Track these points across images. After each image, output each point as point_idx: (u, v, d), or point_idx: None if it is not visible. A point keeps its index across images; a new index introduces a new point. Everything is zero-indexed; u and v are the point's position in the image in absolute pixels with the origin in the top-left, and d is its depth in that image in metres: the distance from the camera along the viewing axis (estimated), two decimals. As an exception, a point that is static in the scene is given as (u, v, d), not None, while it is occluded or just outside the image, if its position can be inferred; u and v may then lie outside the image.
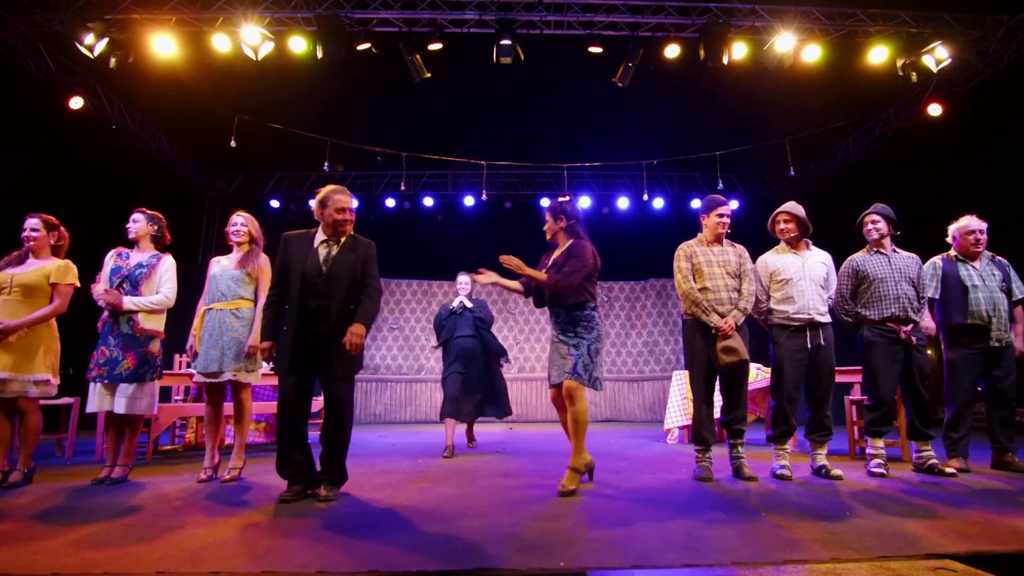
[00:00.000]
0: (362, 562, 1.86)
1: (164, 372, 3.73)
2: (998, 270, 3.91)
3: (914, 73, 6.70)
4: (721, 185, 9.64)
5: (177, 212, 5.09)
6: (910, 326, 3.61)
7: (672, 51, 6.76)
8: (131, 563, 1.88)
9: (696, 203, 9.99)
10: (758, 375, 5.49)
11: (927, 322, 3.83)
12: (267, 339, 3.07)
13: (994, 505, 2.65)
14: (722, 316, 3.43)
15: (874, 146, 9.00)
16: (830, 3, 6.66)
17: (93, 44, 6.08)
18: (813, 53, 6.65)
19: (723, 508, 2.61)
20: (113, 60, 6.26)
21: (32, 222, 3.53)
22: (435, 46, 6.63)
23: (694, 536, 2.12)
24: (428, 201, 10.24)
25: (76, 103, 7.24)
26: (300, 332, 2.95)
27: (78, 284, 3.59)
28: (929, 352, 3.74)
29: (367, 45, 6.54)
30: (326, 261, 3.03)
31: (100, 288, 3.49)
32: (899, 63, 6.71)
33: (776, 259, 3.72)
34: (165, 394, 4.86)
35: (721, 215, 3.60)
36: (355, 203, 3.25)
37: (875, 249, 3.77)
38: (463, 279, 5.15)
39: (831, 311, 3.71)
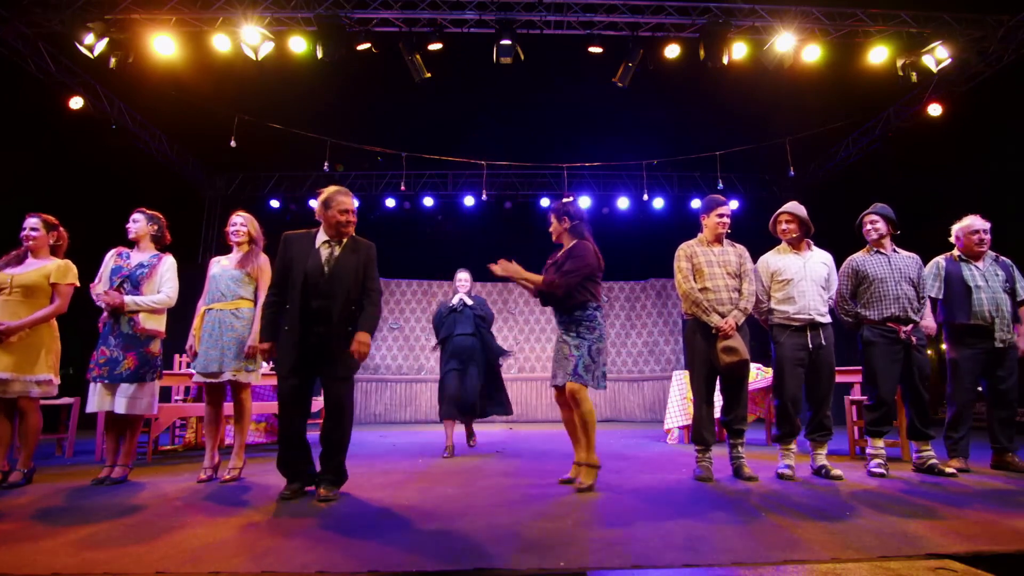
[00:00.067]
0: (362, 562, 1.86)
1: (164, 372, 3.73)
2: (1001, 270, 3.90)
3: (914, 73, 6.70)
4: (721, 185, 9.64)
5: (177, 212, 5.09)
6: (910, 326, 3.61)
7: (672, 51, 6.76)
8: (131, 563, 1.88)
9: (696, 203, 9.99)
10: (758, 375, 5.49)
11: (927, 322, 3.83)
12: (266, 339, 3.07)
13: (994, 505, 2.65)
14: (722, 316, 3.43)
15: (874, 146, 9.00)
16: (830, 3, 6.66)
17: (93, 44, 6.08)
18: (813, 53, 6.65)
19: (723, 508, 2.61)
20: (113, 60, 6.26)
21: (32, 222, 3.52)
22: (435, 46, 6.63)
23: (694, 536, 2.12)
24: (428, 201, 10.24)
25: (76, 103, 7.24)
26: (301, 332, 2.95)
27: (78, 284, 3.59)
28: (929, 352, 3.74)
29: (367, 45, 6.54)
30: (328, 261, 3.03)
31: (100, 288, 3.49)
32: (899, 63, 6.71)
33: (777, 259, 3.72)
34: (165, 394, 4.86)
35: (721, 215, 3.60)
36: (356, 204, 3.26)
37: (875, 249, 3.77)
38: (462, 275, 5.07)
39: (831, 311, 3.71)
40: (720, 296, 3.46)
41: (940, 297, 3.95)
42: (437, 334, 5.03)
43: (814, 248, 3.76)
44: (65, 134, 7.98)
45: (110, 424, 3.53)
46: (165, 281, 3.60)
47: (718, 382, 3.56)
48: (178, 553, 1.98)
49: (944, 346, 4.04)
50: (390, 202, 10.20)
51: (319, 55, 6.37)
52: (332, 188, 3.12)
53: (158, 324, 3.60)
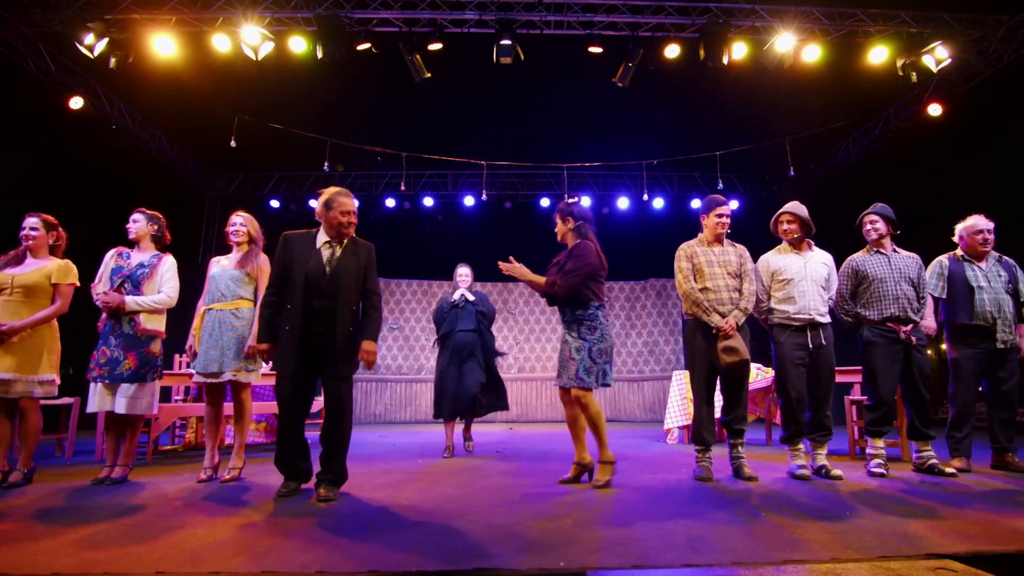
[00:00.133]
0: (362, 562, 1.86)
1: (164, 372, 3.73)
2: (1004, 271, 3.89)
3: (914, 73, 6.70)
4: (721, 185, 9.63)
5: (177, 212, 5.08)
6: (910, 326, 3.61)
7: (672, 51, 6.76)
8: (131, 563, 1.88)
9: (696, 203, 9.99)
10: (758, 375, 5.49)
11: (927, 322, 3.83)
12: (265, 340, 3.07)
13: (994, 505, 2.65)
14: (723, 316, 3.43)
15: (874, 146, 9.00)
16: (830, 3, 6.66)
17: (93, 44, 6.08)
18: (813, 53, 6.65)
19: (723, 508, 2.61)
20: (113, 60, 6.26)
21: (31, 221, 3.52)
22: (435, 46, 6.63)
23: (694, 536, 2.12)
24: (428, 201, 10.23)
25: (76, 103, 7.24)
26: (303, 332, 2.95)
27: (78, 284, 3.60)
28: (929, 352, 3.74)
29: (367, 45, 6.53)
30: (330, 262, 3.04)
31: (101, 288, 3.49)
32: (899, 63, 6.70)
33: (778, 259, 3.72)
34: (165, 394, 4.85)
35: (720, 215, 3.60)
36: (357, 205, 3.26)
37: (875, 249, 3.77)
38: (463, 271, 4.99)
39: (831, 311, 3.71)
40: (721, 296, 3.47)
41: (944, 297, 3.94)
42: (438, 330, 4.94)
43: (814, 248, 3.76)
44: (65, 134, 7.97)
45: (110, 424, 3.53)
46: (165, 281, 3.60)
47: (718, 382, 3.56)
48: (178, 553, 1.98)
49: (944, 346, 4.04)
50: (390, 202, 10.20)
51: (319, 55, 6.37)
52: (333, 189, 3.12)
53: (158, 324, 3.60)
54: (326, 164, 8.80)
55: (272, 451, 3.31)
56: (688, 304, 3.53)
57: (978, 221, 3.93)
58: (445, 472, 3.82)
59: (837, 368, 3.70)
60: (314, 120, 8.46)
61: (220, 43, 6.39)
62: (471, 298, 4.90)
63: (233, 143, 7.93)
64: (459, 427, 5.03)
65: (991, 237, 3.89)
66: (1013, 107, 7.59)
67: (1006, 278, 3.86)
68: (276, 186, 10.40)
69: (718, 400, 3.62)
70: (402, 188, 9.79)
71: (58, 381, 3.48)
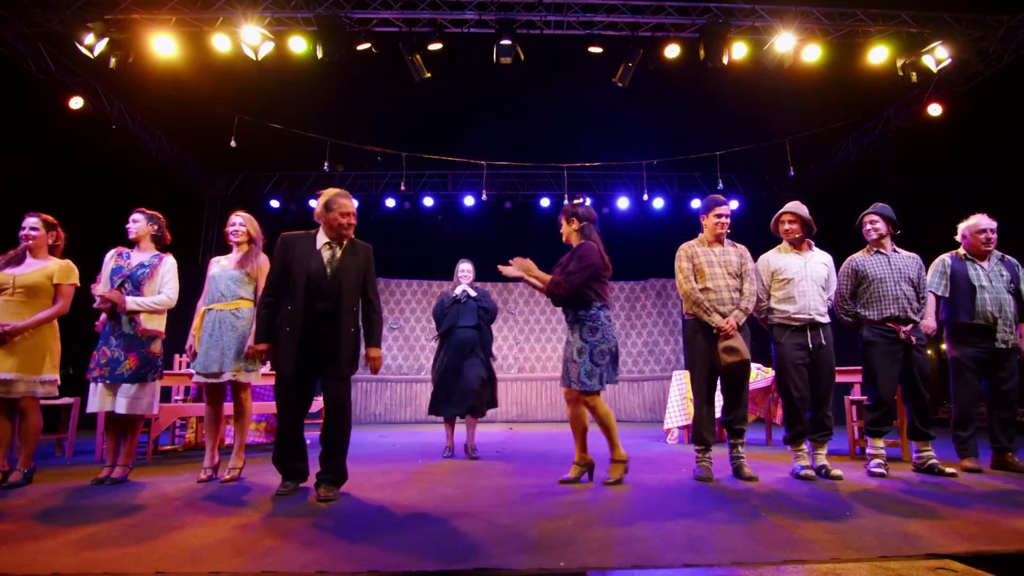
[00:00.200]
0: (362, 562, 1.86)
1: (164, 372, 3.73)
2: (1007, 270, 3.89)
3: (914, 73, 6.70)
4: (721, 185, 9.64)
5: (177, 212, 5.09)
6: (909, 326, 3.61)
7: (672, 51, 6.76)
8: (131, 563, 1.88)
9: (696, 203, 9.99)
10: (758, 375, 5.49)
11: (927, 321, 3.82)
12: (263, 340, 3.06)
13: (994, 505, 2.65)
14: (724, 316, 3.43)
15: (874, 146, 9.00)
16: (830, 3, 6.66)
17: (93, 44, 6.08)
18: (813, 53, 6.65)
19: (723, 508, 2.61)
20: (113, 60, 6.26)
21: (31, 221, 3.52)
22: (435, 46, 6.63)
23: (694, 536, 2.12)
24: (428, 201, 10.24)
25: (76, 103, 7.24)
26: (303, 333, 2.95)
27: (78, 284, 3.60)
28: (929, 352, 3.74)
29: (367, 45, 6.54)
30: (331, 263, 3.04)
31: (101, 288, 3.49)
32: (899, 63, 6.71)
33: (778, 258, 3.72)
34: (165, 394, 4.85)
35: (720, 215, 3.60)
36: (356, 206, 3.26)
37: (875, 249, 3.77)
38: (465, 266, 4.89)
39: (831, 311, 3.71)
40: (721, 296, 3.47)
41: (947, 296, 3.93)
42: (438, 326, 4.84)
43: (815, 248, 3.76)
44: (65, 134, 7.98)
45: (110, 424, 3.53)
46: (166, 282, 3.60)
47: (719, 382, 3.56)
48: (178, 553, 1.98)
49: (944, 345, 4.04)
50: (390, 202, 10.20)
51: (319, 55, 6.37)
52: (333, 190, 3.12)
53: (159, 324, 3.60)
54: (326, 164, 8.80)
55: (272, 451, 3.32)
56: (689, 304, 3.53)
57: (981, 220, 3.92)
58: (445, 472, 3.82)
59: (837, 368, 3.70)
60: (314, 120, 8.46)
61: (220, 43, 6.39)
62: (473, 293, 4.82)
63: (233, 143, 7.93)
64: (460, 427, 4.95)
65: (994, 236, 3.89)
66: (1013, 107, 7.59)
67: (1008, 278, 3.86)
68: (276, 186, 10.40)
69: (718, 400, 3.62)
70: (402, 188, 9.79)
71: (59, 381, 3.49)
